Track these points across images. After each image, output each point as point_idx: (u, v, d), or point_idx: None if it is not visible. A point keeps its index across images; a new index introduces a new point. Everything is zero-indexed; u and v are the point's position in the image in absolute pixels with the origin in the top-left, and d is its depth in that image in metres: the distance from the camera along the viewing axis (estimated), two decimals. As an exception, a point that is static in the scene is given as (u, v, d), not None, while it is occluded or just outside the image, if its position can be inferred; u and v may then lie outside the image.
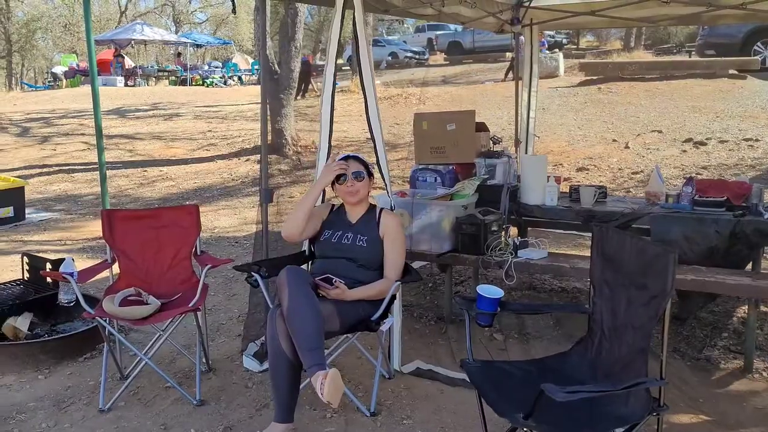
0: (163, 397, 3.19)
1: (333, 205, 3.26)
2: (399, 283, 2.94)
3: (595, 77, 14.49)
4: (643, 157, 9.08)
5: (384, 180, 3.35)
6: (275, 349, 2.69)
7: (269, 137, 11.21)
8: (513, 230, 4.33)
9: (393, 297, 3.03)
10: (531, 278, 4.84)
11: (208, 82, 25.01)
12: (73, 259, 3.59)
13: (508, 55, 19.31)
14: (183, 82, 25.40)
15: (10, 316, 3.85)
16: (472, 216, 3.77)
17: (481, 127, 4.58)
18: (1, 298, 4.03)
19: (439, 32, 27.30)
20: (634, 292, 2.28)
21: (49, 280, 4.12)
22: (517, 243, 3.71)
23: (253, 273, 2.99)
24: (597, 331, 2.49)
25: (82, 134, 13.76)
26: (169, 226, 3.50)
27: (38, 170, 10.95)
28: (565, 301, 4.55)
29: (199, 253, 3.49)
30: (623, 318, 2.34)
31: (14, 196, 7.53)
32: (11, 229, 7.18)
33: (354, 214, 3.15)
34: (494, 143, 4.55)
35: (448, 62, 24.68)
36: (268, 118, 4.43)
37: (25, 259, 4.35)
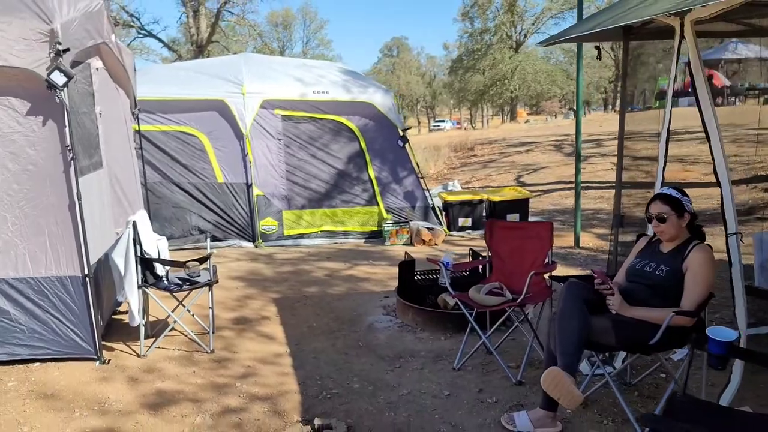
0: (498, 371, 4.00)
1: (652, 237, 3.46)
2: (673, 314, 2.99)
3: None
4: None
5: (725, 220, 3.27)
6: (547, 346, 3.23)
7: None
8: None
9: (692, 328, 3.10)
10: None
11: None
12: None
13: None
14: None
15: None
16: None
17: None
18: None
19: None
20: None
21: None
22: None
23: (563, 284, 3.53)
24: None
25: (615, 155, 14.88)
26: (533, 238, 4.25)
27: (562, 186, 12.62)
28: None
29: (549, 262, 4.13)
30: None
31: (521, 205, 9.25)
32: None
33: (667, 247, 3.32)
34: None
35: None
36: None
37: (470, 252, 5.71)
